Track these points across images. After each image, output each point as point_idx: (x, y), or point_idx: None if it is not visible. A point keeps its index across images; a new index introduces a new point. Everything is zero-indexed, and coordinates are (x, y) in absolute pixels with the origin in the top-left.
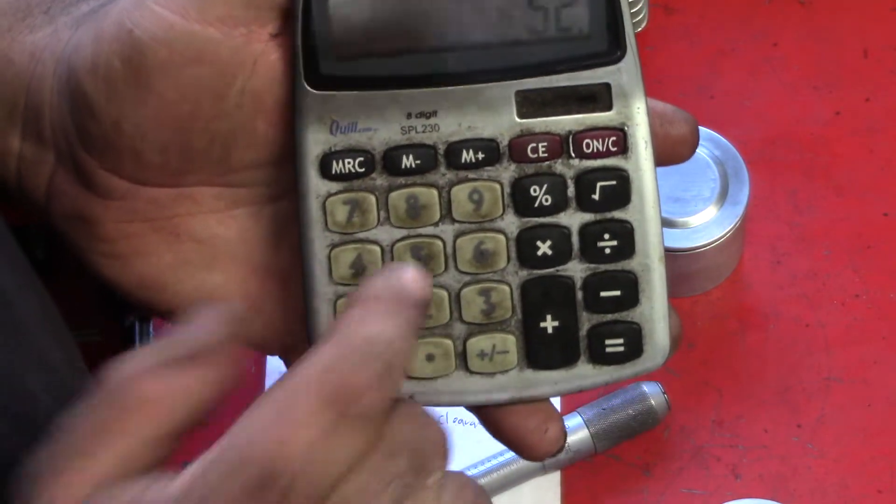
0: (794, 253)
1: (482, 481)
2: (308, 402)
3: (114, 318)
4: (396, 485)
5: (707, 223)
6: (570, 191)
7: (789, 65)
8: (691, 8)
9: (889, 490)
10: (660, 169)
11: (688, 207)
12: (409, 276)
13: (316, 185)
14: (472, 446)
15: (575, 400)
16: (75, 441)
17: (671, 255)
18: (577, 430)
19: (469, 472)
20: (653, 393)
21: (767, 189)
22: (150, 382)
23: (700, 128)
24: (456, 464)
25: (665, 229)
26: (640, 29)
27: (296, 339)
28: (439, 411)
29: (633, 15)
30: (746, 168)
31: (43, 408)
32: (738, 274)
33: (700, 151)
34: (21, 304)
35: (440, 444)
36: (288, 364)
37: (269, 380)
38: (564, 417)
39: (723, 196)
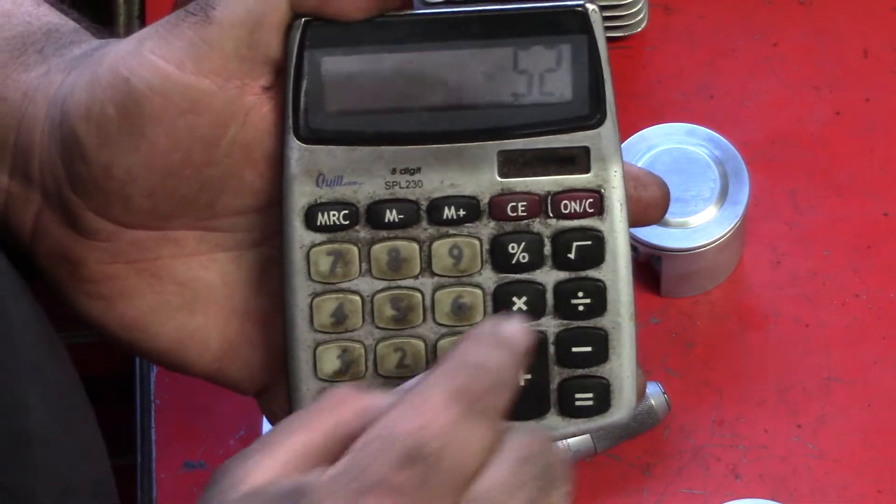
0: (794, 253)
1: None
2: (438, 397)
3: None
4: (531, 487)
5: (707, 223)
6: (547, 249)
7: (789, 65)
8: (691, 8)
9: (889, 490)
10: (660, 169)
11: (688, 207)
12: (514, 326)
13: (301, 236)
14: None
15: None
16: (268, 436)
17: (671, 255)
18: None
19: None
20: (653, 393)
21: (767, 189)
22: (346, 393)
23: (700, 128)
24: None
25: (665, 229)
26: (640, 29)
27: (272, 381)
28: None
29: (633, 15)
30: (746, 168)
31: (35, 418)
32: (738, 274)
33: (700, 151)
34: (15, 312)
35: (564, 462)
36: (262, 405)
37: None
38: None
39: (723, 196)
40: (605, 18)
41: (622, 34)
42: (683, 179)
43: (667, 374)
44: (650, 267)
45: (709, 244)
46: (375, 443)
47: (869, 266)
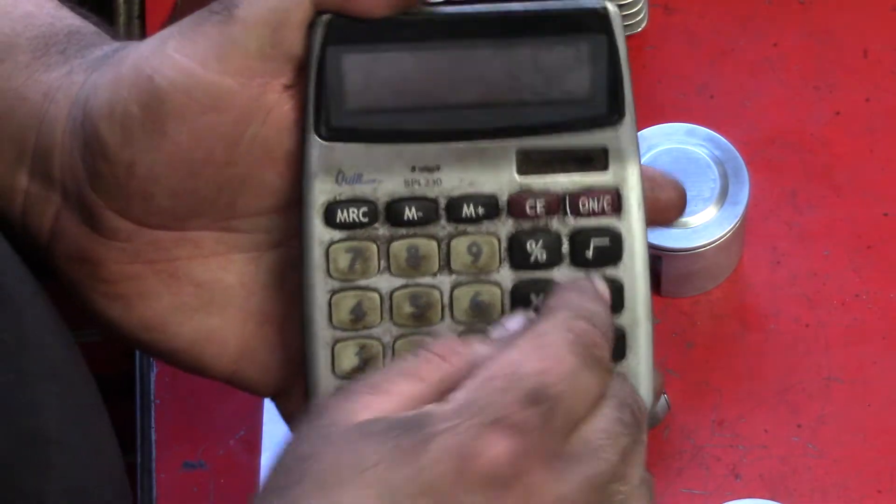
0: (794, 253)
1: None
2: (560, 341)
3: None
4: (627, 434)
5: (707, 223)
6: (565, 248)
7: (789, 65)
8: (691, 8)
9: (889, 490)
10: (660, 169)
11: (688, 207)
12: (601, 283)
13: (320, 233)
14: None
15: None
16: (371, 380)
17: (671, 255)
18: None
19: None
20: None
21: (767, 189)
22: (452, 343)
23: (700, 128)
24: None
25: (665, 229)
26: (640, 29)
27: (288, 383)
28: None
29: (633, 15)
30: (746, 168)
31: (49, 419)
32: (738, 274)
33: (700, 151)
34: (30, 313)
35: (646, 410)
36: (279, 407)
37: None
38: None
39: (723, 196)
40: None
41: None
42: (683, 179)
43: (667, 374)
44: (651, 267)
45: (709, 244)
46: (499, 380)
47: (869, 266)
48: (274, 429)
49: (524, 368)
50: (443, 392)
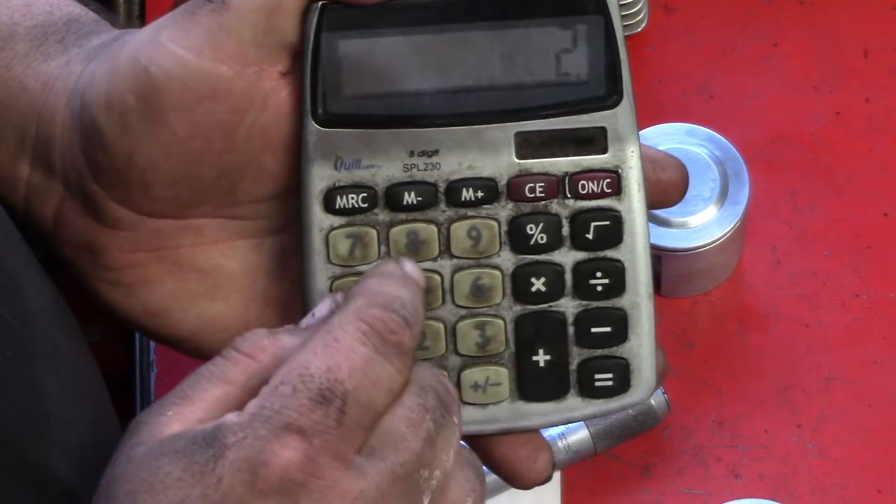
0: (794, 253)
1: None
2: (351, 332)
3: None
4: (431, 417)
5: (707, 223)
6: (565, 230)
7: (789, 65)
8: (691, 8)
9: (889, 490)
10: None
11: (688, 207)
12: (410, 265)
13: (319, 219)
14: None
15: None
16: (182, 389)
17: (671, 255)
18: (577, 430)
19: None
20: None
21: (767, 189)
22: (258, 339)
23: (700, 128)
24: None
25: (665, 229)
26: (640, 29)
27: None
28: None
29: (633, 15)
30: (746, 168)
31: (52, 395)
32: (738, 274)
33: (700, 151)
34: (32, 293)
35: (454, 392)
36: None
37: None
38: None
39: (723, 196)
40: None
41: None
42: None
43: (667, 374)
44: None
45: (709, 244)
46: (289, 383)
47: (869, 266)
48: None
49: (313, 366)
50: (253, 392)
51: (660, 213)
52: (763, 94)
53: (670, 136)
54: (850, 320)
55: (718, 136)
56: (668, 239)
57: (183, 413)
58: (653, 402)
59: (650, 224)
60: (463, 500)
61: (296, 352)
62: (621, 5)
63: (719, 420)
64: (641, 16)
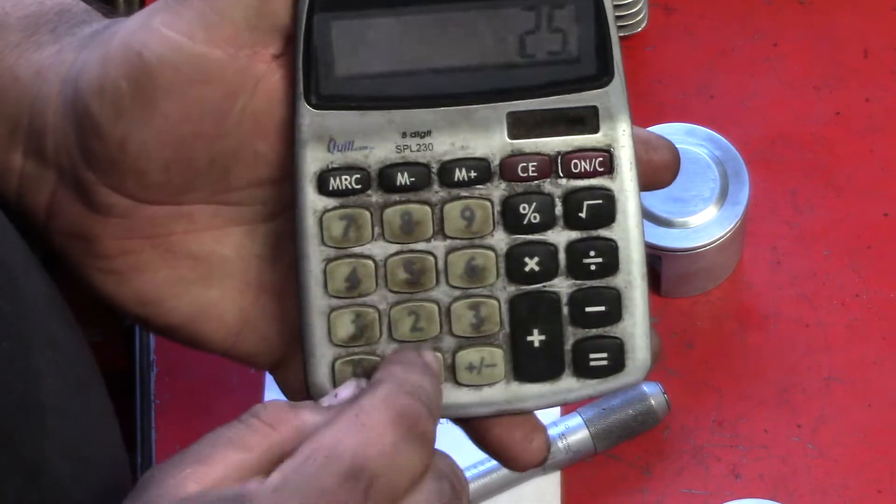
0: (794, 253)
1: (482, 481)
2: (381, 417)
3: (114, 318)
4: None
5: (707, 223)
6: (558, 209)
7: (789, 65)
8: (691, 8)
9: (889, 490)
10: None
11: (688, 207)
12: (430, 354)
13: (313, 201)
14: (473, 446)
15: None
16: (199, 449)
17: (671, 255)
18: (577, 430)
19: (470, 472)
20: (653, 393)
21: (767, 189)
22: (280, 411)
23: (700, 128)
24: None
25: (665, 229)
26: (640, 29)
27: (286, 354)
28: None
29: (633, 15)
30: (746, 168)
31: (48, 386)
32: (738, 274)
33: (700, 151)
34: (28, 283)
35: (465, 481)
36: (278, 379)
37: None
38: (565, 417)
39: (723, 196)
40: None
41: (622, 34)
42: (683, 179)
43: (667, 374)
44: (650, 267)
45: (709, 244)
46: (316, 458)
47: (869, 266)
48: None
49: (343, 445)
50: (270, 461)
51: (660, 213)
52: (763, 94)
53: (670, 136)
54: (850, 320)
55: (718, 136)
56: (668, 239)
57: (199, 474)
58: (653, 402)
59: (650, 224)
60: None
61: (323, 429)
62: (621, 5)
63: (719, 420)
64: (641, 16)
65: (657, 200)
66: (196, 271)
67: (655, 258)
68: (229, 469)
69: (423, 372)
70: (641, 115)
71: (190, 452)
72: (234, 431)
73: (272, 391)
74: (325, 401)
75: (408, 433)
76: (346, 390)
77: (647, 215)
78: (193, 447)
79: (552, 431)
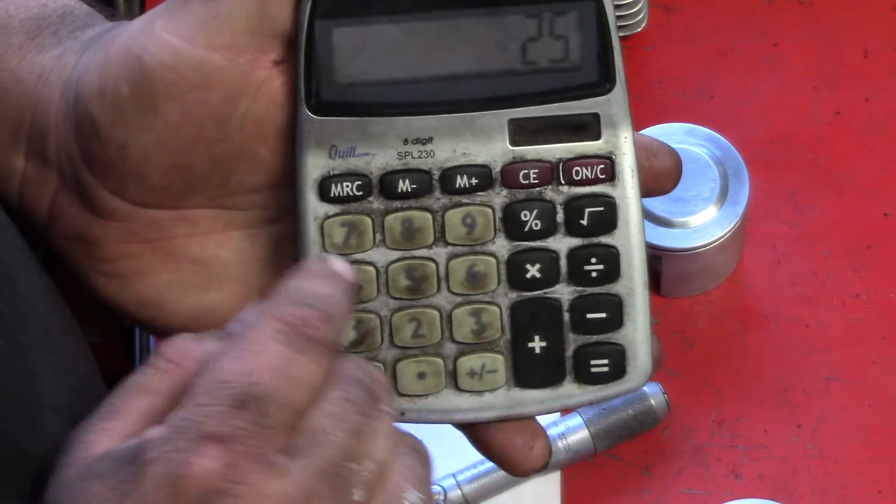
0: (794, 253)
1: (482, 481)
2: (264, 335)
3: (114, 319)
4: (356, 409)
5: (707, 223)
6: (560, 216)
7: (789, 65)
8: (691, 8)
9: (889, 490)
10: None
11: (688, 207)
12: (335, 260)
13: (314, 207)
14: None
15: None
16: (110, 401)
17: (671, 255)
18: (577, 430)
19: (469, 472)
20: (653, 393)
21: (767, 189)
22: (184, 345)
23: (700, 128)
24: (457, 463)
25: (665, 229)
26: (640, 29)
27: None
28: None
29: (633, 15)
30: (746, 168)
31: (45, 386)
32: (738, 274)
33: (700, 151)
34: (25, 282)
35: (383, 380)
36: None
37: None
38: (565, 417)
39: (723, 196)
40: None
41: (622, 34)
42: (683, 179)
43: (667, 374)
44: (650, 267)
45: (709, 244)
46: (206, 391)
47: (869, 266)
48: None
49: (229, 372)
50: (177, 401)
51: (660, 213)
52: (763, 94)
53: (670, 136)
54: (850, 320)
55: (718, 136)
56: (668, 239)
57: (108, 428)
58: (653, 402)
59: (650, 223)
60: (403, 486)
61: (215, 357)
62: (621, 5)
63: (719, 420)
64: (641, 16)
65: (657, 200)
66: (197, 275)
67: (655, 258)
68: (137, 417)
69: (320, 278)
70: (641, 116)
71: (102, 407)
72: (140, 376)
73: None
74: (230, 326)
75: (297, 342)
76: (248, 312)
77: (647, 215)
78: (107, 400)
79: (552, 431)
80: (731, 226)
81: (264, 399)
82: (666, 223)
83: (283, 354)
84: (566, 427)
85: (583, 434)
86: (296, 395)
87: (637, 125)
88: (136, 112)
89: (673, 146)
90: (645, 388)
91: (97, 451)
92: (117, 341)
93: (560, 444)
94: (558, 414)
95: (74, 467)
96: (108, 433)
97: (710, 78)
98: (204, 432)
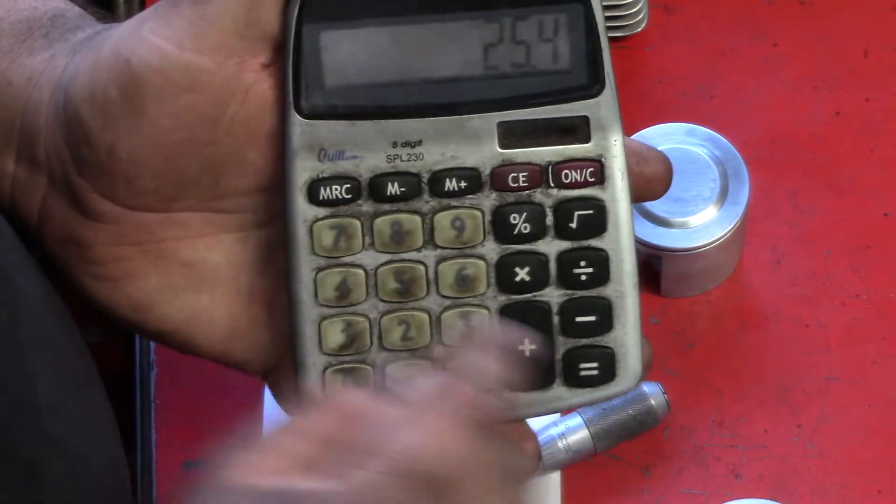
0: (794, 253)
1: None
2: (448, 412)
3: None
4: (503, 487)
5: (707, 223)
6: (549, 219)
7: (789, 65)
8: (691, 8)
9: (889, 490)
10: (646, 143)
11: (688, 207)
12: (514, 335)
13: (303, 211)
14: None
15: None
16: (264, 436)
17: (671, 255)
18: (577, 430)
19: None
20: (653, 393)
21: (767, 189)
22: (344, 401)
23: (700, 128)
24: None
25: (665, 229)
26: (640, 29)
27: (278, 360)
28: None
29: (633, 15)
30: (746, 168)
31: (44, 387)
32: (738, 274)
33: (700, 151)
34: (23, 283)
35: (529, 459)
36: (270, 384)
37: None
38: (565, 417)
39: (723, 196)
40: (605, 19)
41: (622, 34)
42: (683, 179)
43: (667, 374)
44: (650, 267)
45: (709, 244)
46: (384, 456)
47: (869, 266)
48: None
49: (409, 445)
50: (333, 452)
51: (660, 213)
52: (763, 94)
53: (670, 136)
54: (850, 320)
55: (718, 136)
56: (668, 239)
57: (263, 463)
58: (653, 402)
59: (650, 223)
60: None
61: (391, 423)
62: (621, 5)
63: (719, 420)
64: (641, 16)
65: (657, 200)
66: (187, 278)
67: (655, 258)
68: (290, 458)
69: (495, 355)
70: (641, 116)
71: (262, 441)
72: (302, 420)
73: None
74: (399, 389)
75: (476, 428)
76: (423, 383)
77: (647, 215)
78: (266, 436)
79: (552, 431)
80: (731, 226)
81: (443, 482)
82: (666, 223)
83: (465, 439)
84: (566, 427)
85: (583, 434)
86: (470, 482)
87: (637, 125)
88: (125, 115)
89: (673, 146)
90: (645, 388)
91: (242, 481)
92: (117, 341)
93: (560, 444)
94: (558, 414)
95: (218, 494)
96: (259, 469)
97: (710, 78)
98: (381, 499)
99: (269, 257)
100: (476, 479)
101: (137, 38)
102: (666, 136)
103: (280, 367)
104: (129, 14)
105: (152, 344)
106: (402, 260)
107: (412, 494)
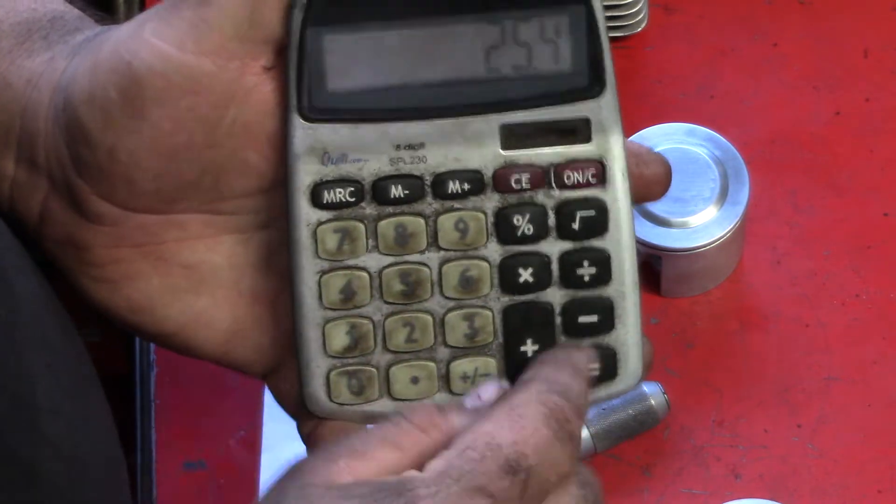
0: (794, 253)
1: None
2: (535, 413)
3: None
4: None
5: (707, 223)
6: (551, 220)
7: (789, 65)
8: (691, 8)
9: (889, 490)
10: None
11: (688, 207)
12: (580, 355)
13: (307, 214)
14: None
15: None
16: (351, 444)
17: (671, 255)
18: None
19: None
20: (653, 393)
21: (767, 189)
22: (429, 415)
23: (700, 128)
24: None
25: (665, 229)
26: (640, 29)
27: (280, 362)
28: None
29: (633, 15)
30: (746, 168)
31: (42, 388)
32: (738, 274)
33: (700, 151)
34: (22, 284)
35: (602, 493)
36: (271, 386)
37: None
38: None
39: (723, 196)
40: (605, 19)
41: (622, 34)
42: (683, 179)
43: (667, 374)
44: (650, 267)
45: (709, 244)
46: (476, 449)
47: (869, 266)
48: (274, 428)
49: (500, 438)
50: (420, 464)
51: (660, 213)
52: (763, 94)
53: (670, 136)
54: (850, 320)
55: (718, 136)
56: (668, 239)
57: (352, 467)
58: (653, 402)
59: (650, 223)
60: None
61: (480, 422)
62: (621, 5)
63: (719, 420)
64: (641, 16)
65: (657, 200)
66: (188, 280)
67: (655, 258)
68: (382, 464)
69: (573, 373)
70: (641, 116)
71: (343, 445)
72: (386, 431)
73: None
74: (469, 402)
75: (559, 431)
76: (489, 391)
77: (647, 215)
78: (344, 442)
79: None
80: (731, 226)
81: (531, 471)
82: (666, 223)
83: (548, 438)
84: None
85: (583, 434)
86: (551, 477)
87: (637, 125)
88: (125, 117)
89: (673, 146)
90: (645, 388)
91: (342, 480)
92: (116, 342)
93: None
94: None
95: (320, 489)
96: (351, 471)
97: (710, 78)
98: (476, 485)
99: (270, 259)
100: (550, 470)
101: (138, 40)
102: (666, 136)
103: (281, 368)
104: (129, 16)
105: (152, 344)
106: (406, 262)
107: (502, 477)
